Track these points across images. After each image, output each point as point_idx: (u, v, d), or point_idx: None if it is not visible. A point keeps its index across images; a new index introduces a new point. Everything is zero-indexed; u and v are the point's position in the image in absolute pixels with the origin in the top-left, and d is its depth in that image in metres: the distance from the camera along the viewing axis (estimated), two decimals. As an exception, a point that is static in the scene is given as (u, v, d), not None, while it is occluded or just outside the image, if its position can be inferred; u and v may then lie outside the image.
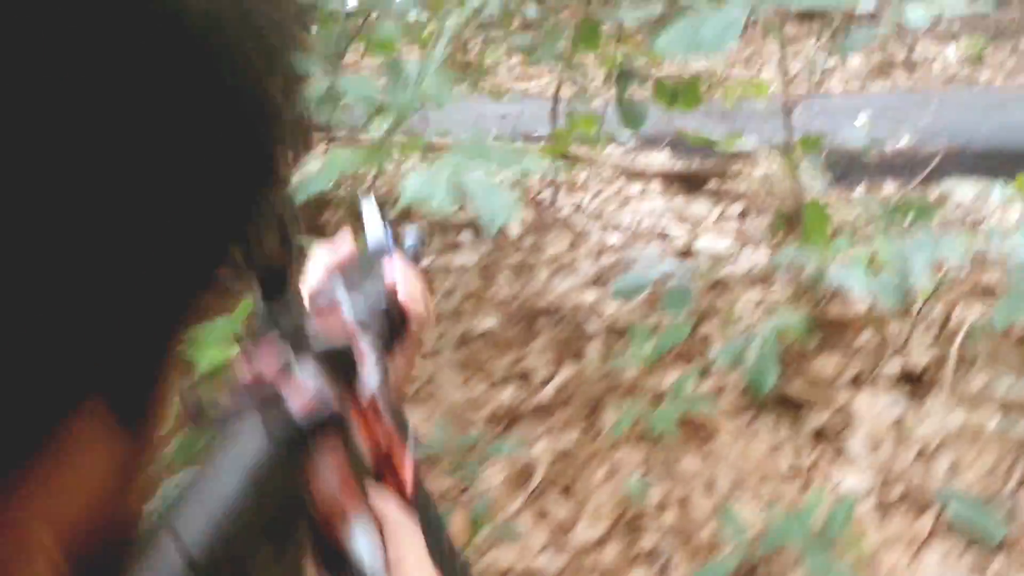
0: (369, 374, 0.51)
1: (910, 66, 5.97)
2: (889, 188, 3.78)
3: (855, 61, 6.27)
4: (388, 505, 0.48)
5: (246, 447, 0.38)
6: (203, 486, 0.36)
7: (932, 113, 4.51)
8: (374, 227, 0.69)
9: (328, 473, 0.44)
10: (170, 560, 0.30)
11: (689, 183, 3.77)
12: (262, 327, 0.44)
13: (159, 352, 0.30)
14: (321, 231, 2.50)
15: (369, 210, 0.70)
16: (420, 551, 0.48)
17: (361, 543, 0.45)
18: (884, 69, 6.03)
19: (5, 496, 0.25)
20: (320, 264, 0.62)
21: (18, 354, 0.23)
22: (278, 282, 0.43)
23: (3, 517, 0.25)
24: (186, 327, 0.31)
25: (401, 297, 0.63)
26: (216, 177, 0.27)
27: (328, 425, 0.43)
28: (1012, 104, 4.26)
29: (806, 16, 7.24)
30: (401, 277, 0.64)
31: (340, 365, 0.46)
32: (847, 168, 3.99)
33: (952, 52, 5.90)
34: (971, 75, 5.46)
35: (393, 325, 0.62)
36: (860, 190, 3.83)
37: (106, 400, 0.28)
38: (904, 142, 3.95)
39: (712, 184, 3.75)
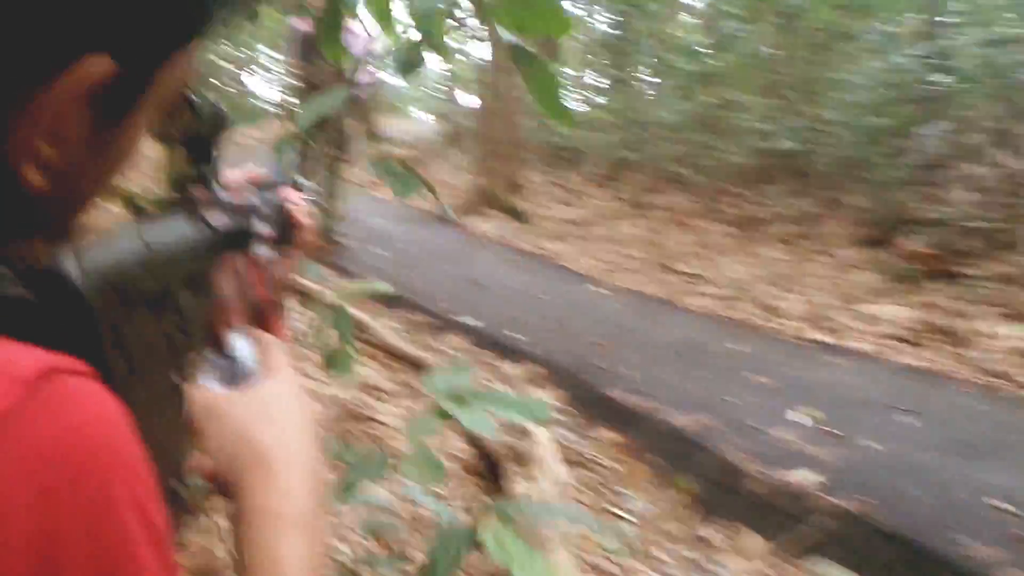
0: (260, 244, 0.70)
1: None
2: None
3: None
4: (264, 333, 0.67)
5: (175, 227, 0.55)
6: (127, 234, 0.48)
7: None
8: (276, 166, 0.85)
9: (227, 280, 0.63)
10: (70, 263, 0.40)
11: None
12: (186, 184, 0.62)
13: (146, 71, 0.44)
14: None
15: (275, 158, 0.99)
16: (288, 364, 0.64)
17: (241, 344, 0.63)
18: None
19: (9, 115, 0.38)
20: (233, 174, 0.75)
21: None
22: (205, 148, 0.62)
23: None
24: (164, 75, 0.45)
25: (295, 211, 0.79)
26: None
27: (234, 243, 0.63)
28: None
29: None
30: (296, 199, 0.81)
31: (253, 231, 0.66)
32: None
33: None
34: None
35: (284, 227, 0.77)
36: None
37: (96, 81, 0.39)
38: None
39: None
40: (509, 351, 4.20)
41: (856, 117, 6.89)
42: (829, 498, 2.71)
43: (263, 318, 0.69)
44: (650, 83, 10.42)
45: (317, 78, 6.05)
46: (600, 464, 3.08)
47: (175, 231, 0.56)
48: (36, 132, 0.39)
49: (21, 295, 0.37)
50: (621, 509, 2.81)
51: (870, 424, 3.37)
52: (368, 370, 3.63)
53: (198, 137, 0.62)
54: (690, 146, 8.46)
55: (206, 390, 0.61)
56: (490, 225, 8.09)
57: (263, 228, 0.71)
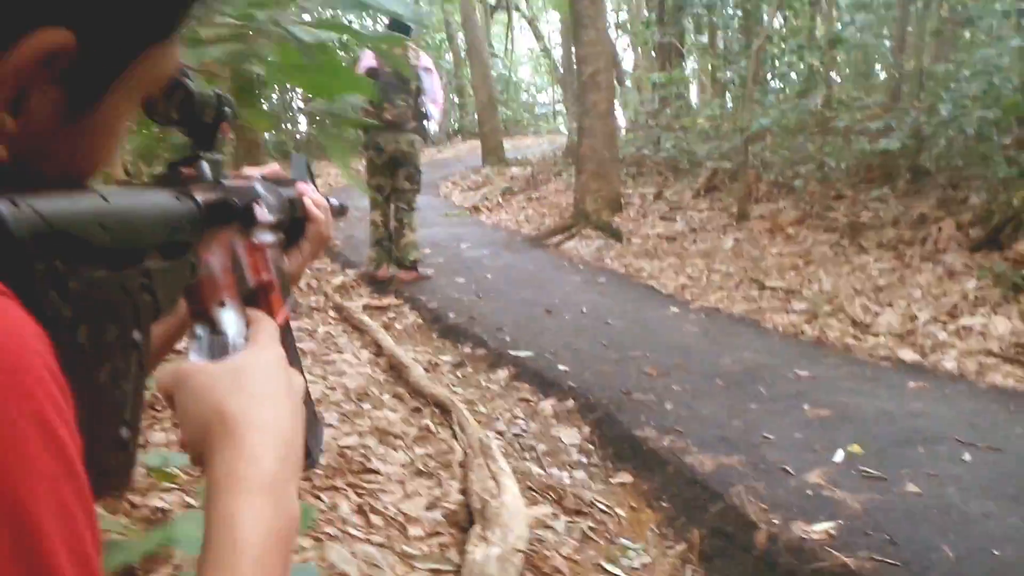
0: (263, 230, 0.72)
1: None
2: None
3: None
4: (258, 311, 0.67)
5: (152, 196, 0.57)
6: (87, 192, 0.49)
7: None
8: (299, 168, 0.91)
9: (215, 255, 0.64)
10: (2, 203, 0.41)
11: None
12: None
13: (117, 57, 0.47)
14: None
15: (297, 159, 0.93)
16: (275, 339, 0.64)
17: (230, 320, 0.64)
18: None
19: None
20: (250, 169, 0.80)
21: None
22: (207, 134, 0.66)
23: None
24: (142, 61, 0.48)
25: (308, 204, 0.84)
26: None
27: (221, 220, 0.64)
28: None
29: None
30: (312, 194, 0.85)
31: (237, 205, 0.66)
32: None
33: None
34: None
35: (296, 220, 0.83)
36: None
37: (64, 61, 0.42)
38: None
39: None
40: (551, 385, 4.05)
41: (972, 109, 6.26)
42: (841, 556, 2.41)
43: (262, 301, 0.69)
44: (763, 86, 9.94)
45: (391, 114, 6.14)
46: (607, 512, 2.89)
47: (149, 198, 0.57)
48: (0, 102, 0.41)
49: None
50: (616, 565, 2.62)
51: (925, 463, 2.99)
52: (392, 414, 3.58)
53: (199, 123, 0.66)
54: (797, 150, 7.98)
55: (183, 361, 0.62)
56: (585, 245, 7.92)
57: (266, 215, 0.73)
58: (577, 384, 4.00)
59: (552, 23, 24.89)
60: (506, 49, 26.19)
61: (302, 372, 0.67)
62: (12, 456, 0.34)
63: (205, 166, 0.67)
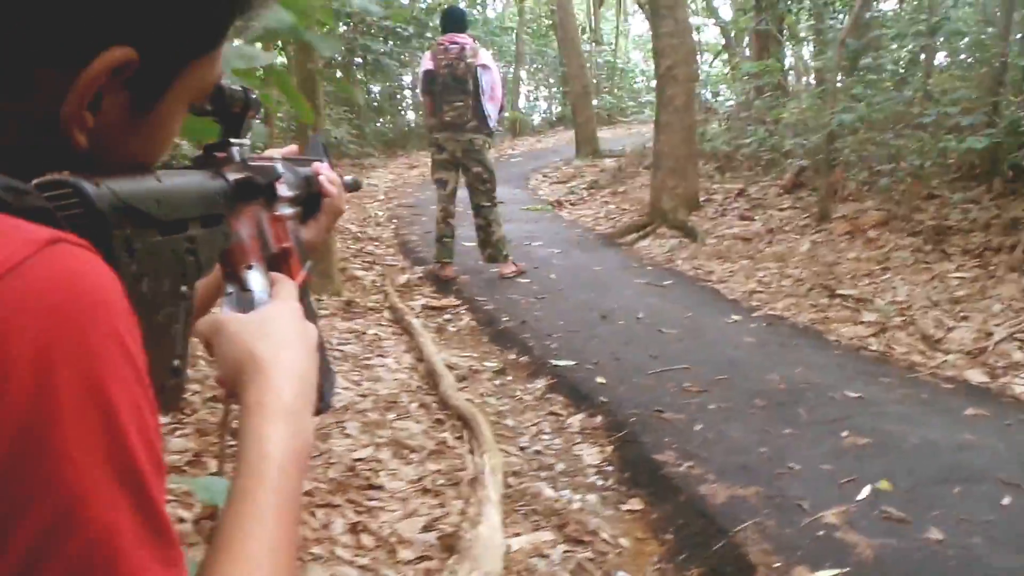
0: (283, 204, 0.84)
1: None
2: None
3: None
4: (279, 274, 0.79)
5: (192, 176, 0.70)
6: (144, 174, 0.61)
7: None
8: (316, 148, 1.02)
9: (243, 225, 0.76)
10: (85, 181, 0.53)
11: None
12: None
13: (169, 69, 0.59)
14: None
15: (314, 140, 1.04)
16: (294, 296, 0.77)
17: (256, 280, 0.76)
18: None
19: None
20: (272, 152, 0.91)
21: None
22: (236, 124, 0.78)
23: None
24: (192, 70, 0.61)
25: (322, 181, 0.96)
26: None
27: (248, 195, 0.76)
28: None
29: None
30: (326, 172, 0.97)
31: (261, 183, 0.79)
32: None
33: None
34: None
35: (311, 195, 0.94)
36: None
37: (128, 69, 0.55)
38: None
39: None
40: (584, 399, 3.97)
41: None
42: None
43: (282, 265, 0.81)
44: (861, 77, 9.44)
45: (448, 115, 6.13)
46: (608, 542, 2.80)
47: (191, 178, 0.70)
48: (83, 102, 0.54)
49: (42, 205, 0.49)
50: (606, 601, 2.53)
51: (958, 505, 2.78)
52: (414, 425, 3.58)
53: (229, 114, 0.78)
54: (888, 147, 7.54)
55: (219, 313, 0.75)
56: (658, 245, 7.74)
57: (285, 191, 0.85)
58: (609, 399, 3.91)
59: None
60: (616, 34, 25.72)
61: (317, 325, 0.78)
62: (101, 362, 0.46)
63: (234, 150, 0.78)
